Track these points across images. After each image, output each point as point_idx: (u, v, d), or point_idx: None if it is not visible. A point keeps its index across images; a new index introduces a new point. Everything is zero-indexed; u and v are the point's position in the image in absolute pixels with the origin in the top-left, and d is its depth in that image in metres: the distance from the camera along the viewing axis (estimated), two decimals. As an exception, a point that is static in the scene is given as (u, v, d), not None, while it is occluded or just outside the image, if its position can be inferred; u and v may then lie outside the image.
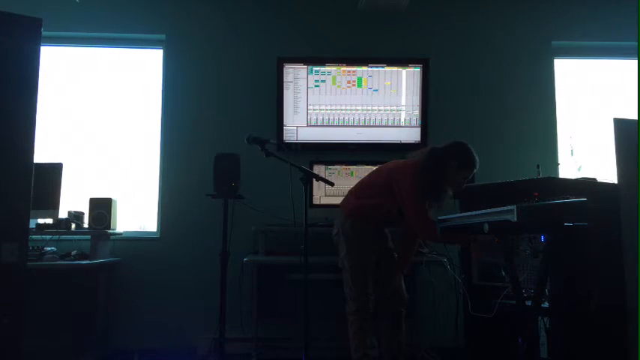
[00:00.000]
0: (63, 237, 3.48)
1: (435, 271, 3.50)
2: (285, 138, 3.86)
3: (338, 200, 3.02)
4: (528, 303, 2.48)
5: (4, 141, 2.44)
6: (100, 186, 3.90)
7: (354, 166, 3.69)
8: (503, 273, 2.81)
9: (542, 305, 2.53)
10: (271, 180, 3.49)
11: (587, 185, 2.80)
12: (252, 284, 3.48)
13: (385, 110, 3.93)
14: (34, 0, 3.65)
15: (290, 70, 3.90)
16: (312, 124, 3.92)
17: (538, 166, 3.06)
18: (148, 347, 3.61)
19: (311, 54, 3.97)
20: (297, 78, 3.91)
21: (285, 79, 3.89)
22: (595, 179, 2.92)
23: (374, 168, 3.08)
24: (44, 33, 2.55)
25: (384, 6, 3.99)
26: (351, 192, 2.91)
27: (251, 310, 3.46)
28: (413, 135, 3.93)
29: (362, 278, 2.70)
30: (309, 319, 2.47)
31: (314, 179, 2.76)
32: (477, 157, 2.70)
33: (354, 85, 3.93)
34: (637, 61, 3.25)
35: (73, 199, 3.68)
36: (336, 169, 3.70)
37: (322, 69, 3.92)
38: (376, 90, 3.94)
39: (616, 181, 2.67)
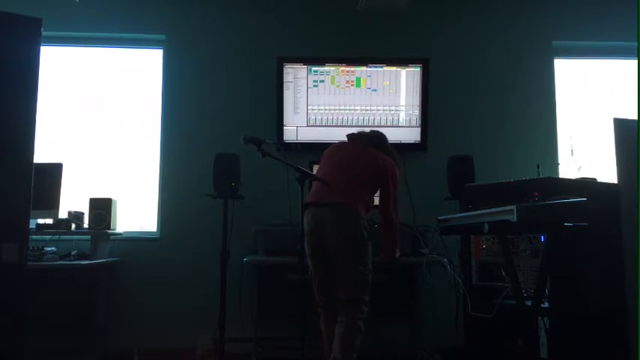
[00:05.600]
0: (63, 237, 3.49)
1: (435, 271, 3.50)
2: (285, 138, 3.86)
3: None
4: (528, 303, 2.49)
5: (4, 141, 2.44)
6: (100, 186, 3.90)
7: (354, 166, 3.68)
8: (503, 273, 2.81)
9: (542, 305, 2.53)
10: (271, 180, 3.49)
11: (587, 185, 2.80)
12: (252, 284, 3.48)
13: (384, 110, 3.93)
14: (34, 0, 3.66)
15: (290, 70, 3.90)
16: (312, 124, 3.92)
17: (538, 166, 3.06)
18: (148, 347, 3.60)
19: (311, 54, 3.97)
20: (297, 78, 3.91)
21: (285, 79, 3.89)
22: (595, 179, 2.93)
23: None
24: (44, 33, 2.55)
25: (384, 6, 3.99)
26: None
27: (251, 310, 3.46)
28: (413, 135, 3.94)
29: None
30: (310, 319, 2.48)
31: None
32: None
33: (352, 85, 3.93)
34: (637, 61, 3.25)
35: (73, 199, 3.68)
36: (336, 169, 3.68)
37: (321, 69, 3.92)
38: (375, 90, 3.94)
39: (616, 181, 2.68)
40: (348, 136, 3.02)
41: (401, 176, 2.94)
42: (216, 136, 3.85)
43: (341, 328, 2.59)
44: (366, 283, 2.66)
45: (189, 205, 3.83)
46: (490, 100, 4.13)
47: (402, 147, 3.84)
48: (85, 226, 3.52)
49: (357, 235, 2.64)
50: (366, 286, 2.66)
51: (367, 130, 3.10)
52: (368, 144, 2.91)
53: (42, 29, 2.54)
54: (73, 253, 3.39)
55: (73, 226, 3.49)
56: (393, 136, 3.80)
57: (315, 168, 3.61)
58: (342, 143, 3.01)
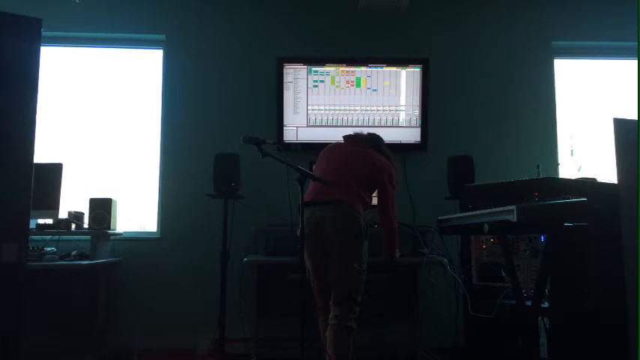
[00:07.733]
0: (63, 237, 3.49)
1: (435, 271, 3.50)
2: (285, 138, 3.86)
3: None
4: (528, 303, 2.49)
5: (4, 141, 2.44)
6: (100, 186, 3.90)
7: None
8: (503, 273, 2.81)
9: (542, 305, 2.53)
10: (271, 180, 3.48)
11: (587, 185, 2.81)
12: (252, 284, 3.48)
13: (384, 110, 3.93)
14: (34, 0, 3.66)
15: (290, 70, 3.90)
16: (312, 124, 3.92)
17: (538, 166, 3.06)
18: (148, 347, 3.60)
19: (311, 54, 3.97)
20: (297, 78, 3.91)
21: (285, 80, 3.89)
22: (595, 179, 2.92)
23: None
24: (44, 33, 2.56)
25: (384, 6, 3.99)
26: None
27: (251, 310, 3.46)
28: (413, 135, 3.93)
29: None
30: (310, 319, 2.47)
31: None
32: None
33: (352, 86, 3.93)
34: (637, 61, 3.26)
35: (73, 199, 3.68)
36: (336, 169, 3.68)
37: (321, 69, 3.92)
38: (375, 90, 3.94)
39: (616, 181, 2.68)
40: (345, 137, 3.01)
41: (396, 179, 2.94)
42: (216, 136, 3.85)
43: (332, 331, 2.57)
44: (359, 282, 2.64)
45: (189, 205, 3.83)
46: (490, 99, 4.13)
47: (402, 147, 3.86)
48: (85, 226, 3.52)
49: (355, 233, 2.63)
50: (359, 285, 2.64)
51: (364, 131, 3.08)
52: (365, 145, 2.91)
53: (42, 29, 2.55)
54: (73, 253, 3.38)
55: (73, 226, 3.48)
56: (393, 136, 3.84)
57: (315, 168, 3.62)
58: (338, 144, 3.00)
